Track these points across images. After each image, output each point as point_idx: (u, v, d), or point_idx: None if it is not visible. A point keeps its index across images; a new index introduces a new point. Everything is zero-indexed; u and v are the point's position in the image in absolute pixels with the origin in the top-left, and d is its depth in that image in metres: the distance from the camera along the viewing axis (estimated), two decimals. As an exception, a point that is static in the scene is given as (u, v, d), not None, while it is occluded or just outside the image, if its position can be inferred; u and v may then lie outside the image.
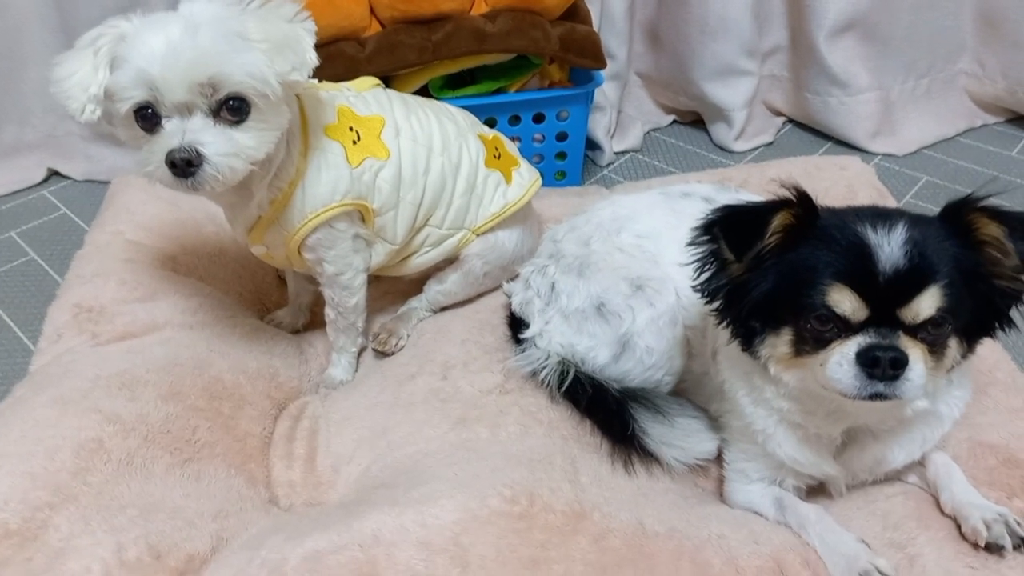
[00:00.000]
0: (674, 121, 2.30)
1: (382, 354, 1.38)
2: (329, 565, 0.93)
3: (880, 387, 0.88)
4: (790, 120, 2.28)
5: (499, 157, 1.38)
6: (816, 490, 1.11)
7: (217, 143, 1.04)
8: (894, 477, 1.10)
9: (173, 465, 1.12)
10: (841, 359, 0.89)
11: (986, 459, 1.11)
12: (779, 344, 0.96)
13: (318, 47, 1.61)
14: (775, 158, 2.09)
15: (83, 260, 1.45)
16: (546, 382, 1.24)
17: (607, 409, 1.19)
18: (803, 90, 2.17)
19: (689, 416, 1.18)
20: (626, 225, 1.29)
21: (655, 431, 1.16)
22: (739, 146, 2.14)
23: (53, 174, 2.09)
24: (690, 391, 1.25)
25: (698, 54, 2.07)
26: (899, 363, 0.87)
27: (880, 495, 1.09)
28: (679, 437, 1.16)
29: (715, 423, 1.18)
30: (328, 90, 1.27)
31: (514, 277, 1.43)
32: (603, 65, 1.74)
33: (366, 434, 1.21)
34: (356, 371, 1.39)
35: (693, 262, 0.99)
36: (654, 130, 2.26)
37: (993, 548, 0.98)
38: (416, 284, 1.46)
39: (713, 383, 1.17)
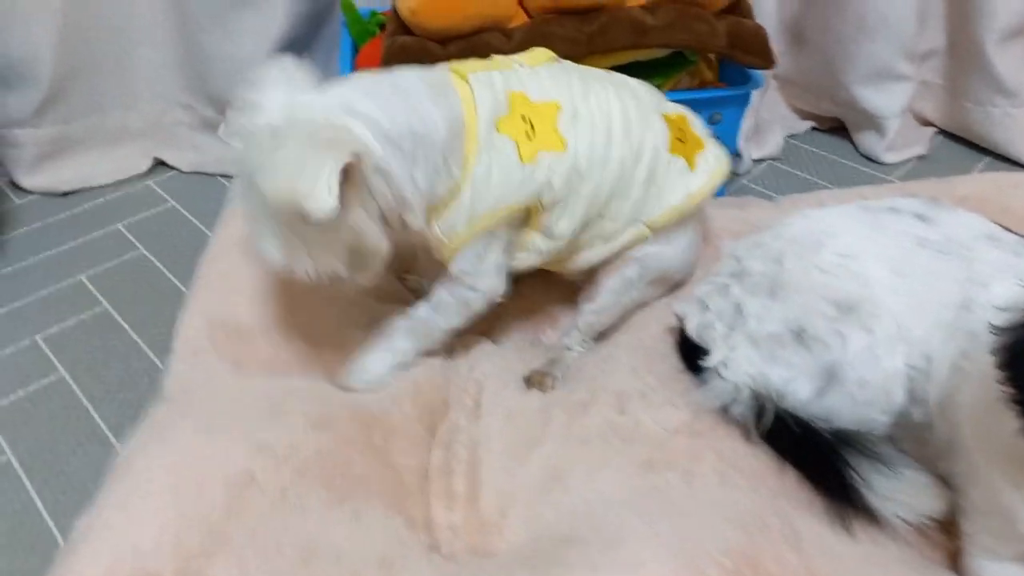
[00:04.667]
0: (812, 127, 2.13)
1: None
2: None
3: None
4: (940, 131, 2.10)
5: (684, 140, 1.22)
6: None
7: None
8: None
9: (330, 502, 0.99)
10: None
11: None
12: None
13: (463, 36, 1.51)
14: (929, 171, 1.92)
15: (210, 266, 1.32)
16: (740, 420, 1.09)
17: (818, 455, 1.03)
18: (961, 98, 1.99)
19: (914, 467, 1.02)
20: (824, 241, 1.13)
21: (878, 483, 1.00)
22: (890, 157, 1.97)
23: (158, 164, 1.99)
24: (902, 439, 1.09)
25: (852, 55, 1.90)
26: None
27: None
28: (904, 491, 1.00)
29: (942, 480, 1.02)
30: (501, 69, 1.13)
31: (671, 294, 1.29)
32: (771, 64, 1.58)
33: (536, 472, 1.07)
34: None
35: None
36: (791, 136, 2.09)
37: None
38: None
39: (939, 439, 1.01)
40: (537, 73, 1.16)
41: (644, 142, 1.17)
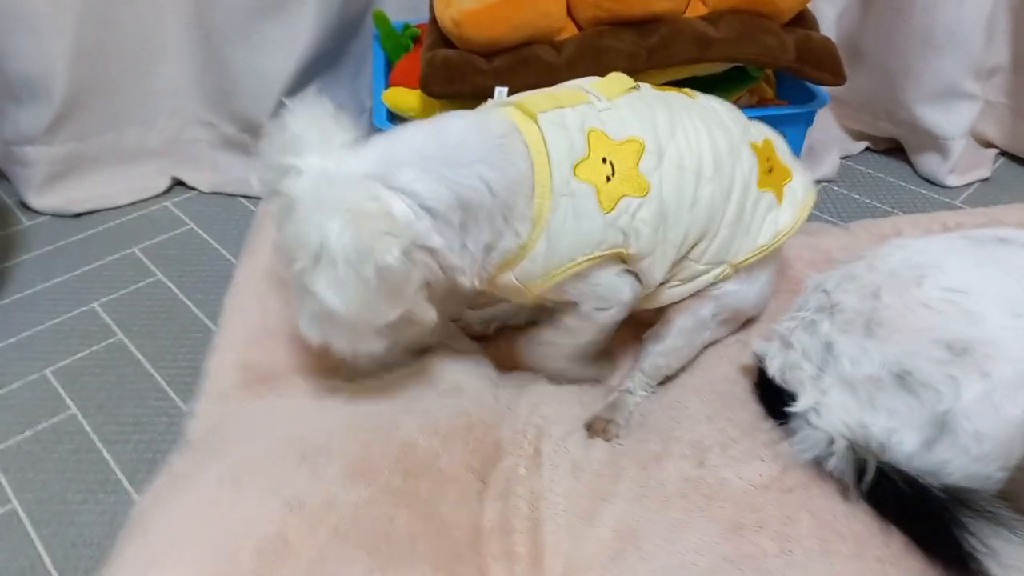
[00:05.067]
0: (867, 148, 2.02)
1: None
2: None
3: None
4: (1003, 152, 1.98)
5: (771, 171, 1.10)
6: None
7: None
8: None
9: (372, 569, 0.87)
10: None
11: None
12: None
13: (510, 50, 1.41)
14: (994, 195, 1.82)
15: (237, 299, 1.21)
16: (837, 475, 0.97)
17: (930, 517, 0.91)
18: (1028, 119, 1.88)
19: (1037, 530, 0.90)
20: (928, 274, 1.01)
21: (1001, 549, 0.87)
22: (953, 180, 1.85)
23: (176, 184, 1.88)
24: (1019, 496, 0.97)
25: (916, 72, 1.79)
26: None
27: None
28: None
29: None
30: (574, 104, 1.01)
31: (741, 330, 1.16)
32: (842, 80, 1.46)
33: (607, 534, 0.95)
34: None
35: None
36: (845, 158, 1.98)
37: None
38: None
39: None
40: (617, 107, 1.03)
41: (734, 179, 1.05)
